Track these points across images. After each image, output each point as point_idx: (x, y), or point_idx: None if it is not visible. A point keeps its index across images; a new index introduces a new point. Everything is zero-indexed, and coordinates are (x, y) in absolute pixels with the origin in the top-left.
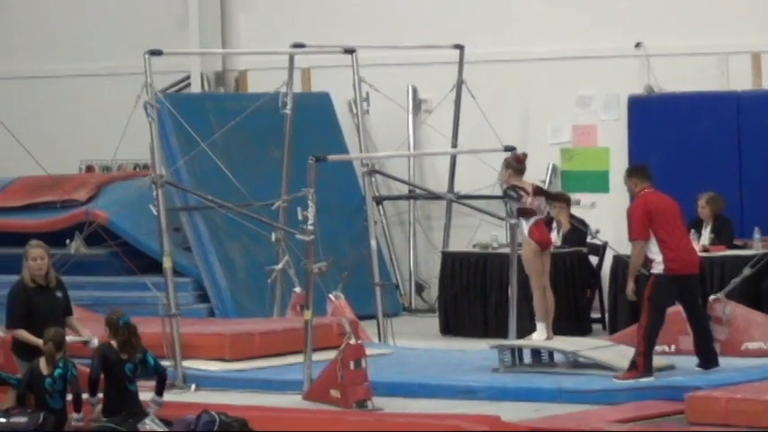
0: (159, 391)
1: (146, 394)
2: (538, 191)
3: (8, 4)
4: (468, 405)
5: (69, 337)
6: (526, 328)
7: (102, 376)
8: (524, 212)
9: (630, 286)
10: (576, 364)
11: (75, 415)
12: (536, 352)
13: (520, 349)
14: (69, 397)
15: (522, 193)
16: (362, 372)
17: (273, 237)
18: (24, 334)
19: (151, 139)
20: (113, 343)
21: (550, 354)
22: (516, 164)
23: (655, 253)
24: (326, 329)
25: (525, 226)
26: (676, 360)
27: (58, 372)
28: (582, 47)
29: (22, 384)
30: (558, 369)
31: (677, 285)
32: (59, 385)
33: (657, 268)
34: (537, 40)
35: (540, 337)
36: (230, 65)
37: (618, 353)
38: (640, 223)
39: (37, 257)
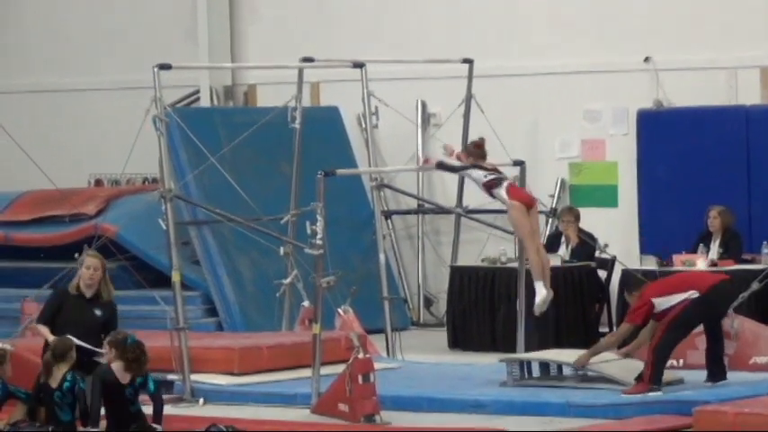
0: (157, 420)
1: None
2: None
3: (18, 19)
4: (476, 419)
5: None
6: (534, 343)
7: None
8: (492, 184)
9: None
10: (585, 377)
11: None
12: (544, 365)
13: (528, 363)
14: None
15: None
16: (371, 386)
17: (282, 251)
18: (42, 329)
19: (160, 153)
20: (119, 364)
21: (559, 367)
22: (476, 149)
23: None
24: (335, 343)
25: (502, 193)
26: (684, 374)
27: (66, 384)
28: (591, 61)
29: (31, 398)
30: (566, 383)
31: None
32: (68, 398)
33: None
34: (546, 54)
35: (540, 294)
36: (239, 79)
37: (626, 366)
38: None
39: (91, 266)
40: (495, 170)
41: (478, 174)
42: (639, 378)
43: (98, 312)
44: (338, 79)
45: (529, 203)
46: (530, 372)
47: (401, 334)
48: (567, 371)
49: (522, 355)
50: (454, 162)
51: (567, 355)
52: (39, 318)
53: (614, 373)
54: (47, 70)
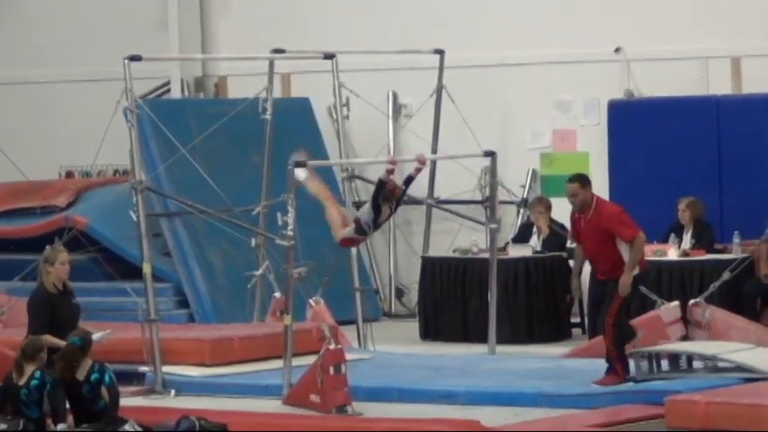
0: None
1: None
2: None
3: None
4: (448, 410)
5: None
6: (506, 333)
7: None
8: (358, 228)
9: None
10: (716, 368)
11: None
12: (674, 358)
13: (657, 356)
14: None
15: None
16: (342, 377)
17: (253, 242)
18: (50, 338)
19: (131, 145)
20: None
21: (689, 359)
22: (392, 195)
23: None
24: (306, 334)
25: (344, 231)
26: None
27: (33, 382)
28: (562, 52)
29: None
30: (697, 374)
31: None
32: (35, 395)
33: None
34: (517, 45)
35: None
36: (210, 70)
37: (761, 354)
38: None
39: (65, 261)
40: (376, 227)
41: (368, 215)
42: (610, 369)
43: (74, 302)
44: (309, 70)
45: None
46: (659, 365)
47: (372, 325)
48: (697, 363)
49: (650, 348)
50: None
51: (699, 347)
52: (35, 330)
53: (748, 360)
54: (17, 62)
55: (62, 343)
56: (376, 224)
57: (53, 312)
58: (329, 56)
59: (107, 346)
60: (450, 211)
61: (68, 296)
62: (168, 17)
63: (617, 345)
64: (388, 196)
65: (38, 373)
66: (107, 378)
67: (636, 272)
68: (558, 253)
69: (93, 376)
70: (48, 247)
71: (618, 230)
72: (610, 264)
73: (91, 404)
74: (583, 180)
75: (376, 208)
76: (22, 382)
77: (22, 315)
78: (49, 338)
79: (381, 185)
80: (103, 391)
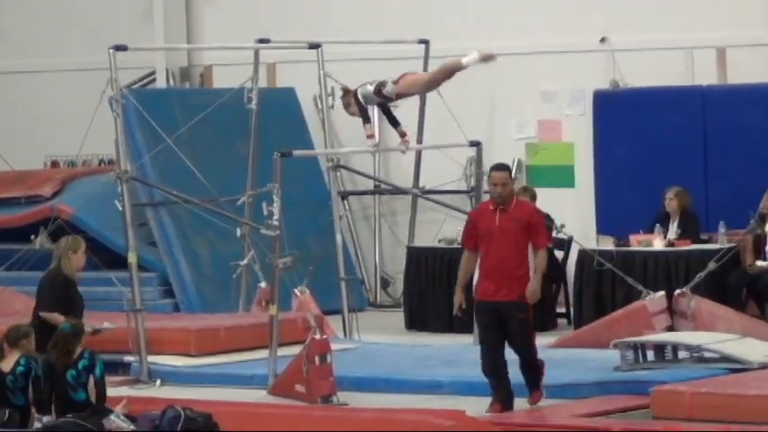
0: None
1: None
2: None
3: None
4: (434, 400)
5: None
6: None
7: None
8: (380, 88)
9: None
10: (702, 359)
11: (41, 417)
12: (659, 348)
13: (643, 346)
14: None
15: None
16: (327, 367)
17: (239, 232)
18: (57, 317)
19: (116, 135)
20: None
21: (674, 349)
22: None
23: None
24: (291, 324)
25: (391, 88)
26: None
27: (19, 369)
28: (547, 42)
29: None
30: (682, 365)
31: None
32: (21, 382)
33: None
34: (502, 34)
35: (474, 55)
36: (195, 60)
37: (746, 345)
38: None
39: (85, 251)
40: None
41: (365, 89)
42: (535, 386)
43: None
44: (294, 60)
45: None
46: (644, 355)
47: (358, 315)
48: (682, 354)
49: (635, 338)
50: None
51: (684, 337)
52: (49, 305)
53: (734, 351)
54: (2, 52)
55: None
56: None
57: (68, 295)
58: (314, 46)
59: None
60: (436, 201)
61: (76, 285)
62: (153, 7)
63: (537, 359)
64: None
65: (23, 360)
66: (98, 370)
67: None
68: None
69: (81, 363)
70: (67, 237)
71: (539, 229)
72: (515, 269)
73: (73, 391)
74: (510, 170)
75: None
76: (7, 369)
77: (9, 304)
78: (56, 317)
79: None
80: (90, 382)
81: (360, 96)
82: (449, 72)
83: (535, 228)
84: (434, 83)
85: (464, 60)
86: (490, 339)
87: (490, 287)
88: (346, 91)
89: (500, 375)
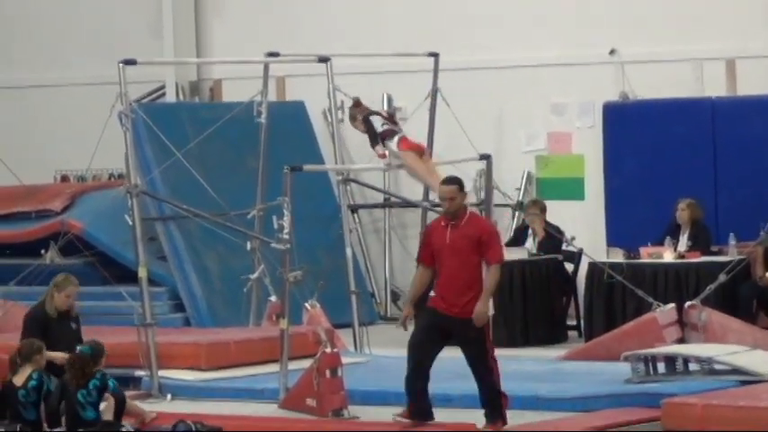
0: (117, 414)
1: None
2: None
3: None
4: (444, 413)
5: None
6: (502, 336)
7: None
8: (386, 134)
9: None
10: (712, 371)
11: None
12: (670, 360)
13: (653, 358)
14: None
15: (377, 116)
16: (338, 380)
17: (249, 246)
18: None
19: (126, 149)
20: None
21: (685, 361)
22: (355, 108)
23: None
24: (302, 338)
25: (393, 146)
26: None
27: (32, 383)
28: (556, 54)
29: None
30: (693, 377)
31: None
32: (33, 397)
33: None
34: (512, 47)
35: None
36: (205, 74)
37: (757, 357)
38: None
39: (71, 295)
40: (391, 120)
41: (377, 122)
42: (497, 416)
43: (74, 326)
44: (304, 74)
45: (420, 151)
46: (655, 368)
47: (368, 328)
48: (693, 366)
49: (646, 350)
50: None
51: (695, 349)
52: None
53: (745, 363)
54: (12, 66)
55: (55, 355)
56: (391, 120)
57: (44, 332)
58: (324, 59)
59: None
60: None
61: (68, 320)
62: (163, 21)
63: (497, 381)
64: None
65: (35, 375)
66: (110, 384)
67: (492, 310)
68: (553, 255)
69: (93, 383)
70: (62, 274)
71: (492, 244)
72: (468, 286)
73: (82, 410)
74: (461, 184)
75: (369, 118)
76: (20, 383)
77: (18, 319)
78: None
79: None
80: (105, 399)
81: (370, 119)
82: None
83: (487, 243)
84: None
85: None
86: (425, 343)
87: (442, 304)
88: (357, 104)
89: (416, 389)
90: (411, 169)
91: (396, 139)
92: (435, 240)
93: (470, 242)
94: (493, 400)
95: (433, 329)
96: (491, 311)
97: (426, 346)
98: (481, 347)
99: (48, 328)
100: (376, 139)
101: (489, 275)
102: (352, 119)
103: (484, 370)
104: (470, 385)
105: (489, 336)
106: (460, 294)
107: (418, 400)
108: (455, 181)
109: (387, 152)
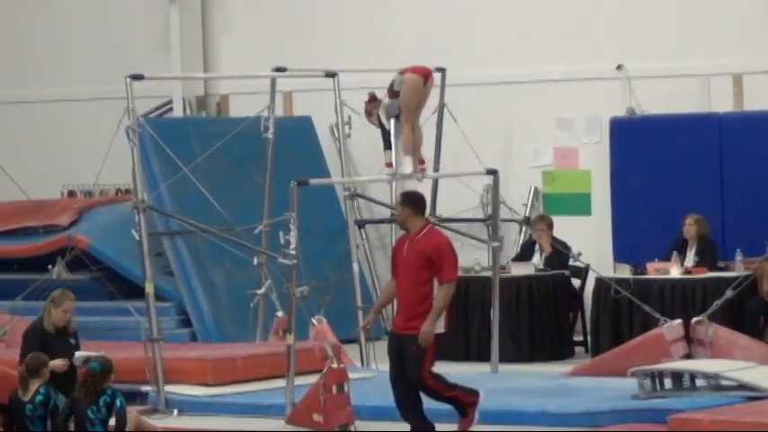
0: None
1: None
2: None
3: None
4: (451, 428)
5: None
6: (508, 352)
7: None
8: (390, 87)
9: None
10: (719, 387)
11: None
12: (677, 376)
13: (660, 374)
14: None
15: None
16: (345, 396)
17: (256, 261)
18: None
19: (133, 164)
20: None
21: (692, 377)
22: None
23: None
24: (309, 353)
25: (399, 79)
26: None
27: (39, 398)
28: (563, 69)
29: (5, 410)
30: (700, 393)
31: None
32: (40, 411)
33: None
34: (518, 62)
35: (407, 170)
36: (212, 89)
37: (764, 373)
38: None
39: (68, 310)
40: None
41: (385, 101)
42: (463, 413)
43: (73, 342)
44: (311, 89)
45: (426, 75)
46: (662, 383)
47: (375, 343)
48: (700, 382)
49: (652, 366)
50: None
51: (702, 365)
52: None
53: (752, 379)
54: (19, 81)
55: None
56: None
57: (42, 348)
58: (331, 74)
59: None
60: (453, 230)
61: (66, 336)
62: (170, 36)
63: (447, 387)
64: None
65: (43, 389)
66: (118, 402)
67: (440, 329)
68: (560, 271)
69: (103, 399)
70: (59, 289)
71: (443, 261)
72: (416, 303)
73: (91, 425)
74: (408, 199)
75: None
76: (27, 397)
77: None
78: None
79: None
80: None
81: (382, 112)
82: (404, 137)
83: (438, 261)
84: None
85: (404, 160)
86: (391, 373)
87: (399, 322)
88: (373, 98)
89: (408, 417)
90: (405, 94)
91: (396, 76)
92: (395, 255)
93: (422, 258)
94: (451, 404)
95: (396, 358)
96: (440, 330)
97: (399, 378)
98: (417, 365)
99: (46, 343)
100: (389, 142)
101: (440, 294)
102: (368, 114)
103: (420, 387)
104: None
105: (431, 354)
106: (409, 310)
107: (416, 425)
108: (403, 195)
109: (393, 161)
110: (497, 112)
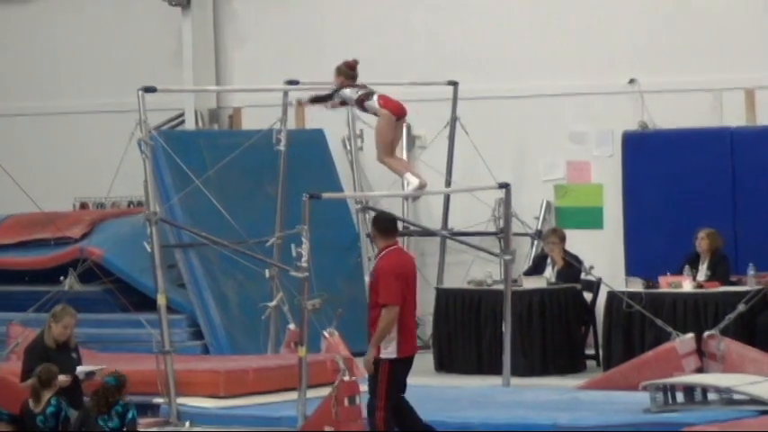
0: None
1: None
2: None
3: (2, 42)
4: None
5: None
6: (520, 365)
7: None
8: (363, 98)
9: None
10: (731, 401)
11: None
12: (689, 390)
13: (672, 388)
14: None
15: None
16: (357, 408)
17: (267, 273)
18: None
19: (145, 176)
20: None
21: (704, 391)
22: (347, 69)
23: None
24: (320, 366)
25: (374, 104)
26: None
27: (50, 409)
28: (576, 83)
29: (15, 421)
30: (712, 407)
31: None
32: (51, 422)
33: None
34: (531, 76)
35: (415, 182)
36: (224, 102)
37: None
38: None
39: (68, 326)
40: (364, 87)
41: (351, 92)
42: None
43: (75, 356)
44: None
45: (399, 113)
46: (674, 397)
47: None
48: (711, 396)
49: (664, 380)
50: (324, 92)
51: (714, 379)
52: (25, 377)
53: (762, 393)
54: (31, 93)
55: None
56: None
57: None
58: None
59: None
60: (465, 243)
61: (68, 351)
62: (183, 48)
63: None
64: (347, 72)
65: (54, 400)
66: (130, 415)
67: (391, 354)
68: (572, 285)
69: (115, 409)
70: (60, 305)
71: (379, 285)
72: (370, 326)
73: None
74: (374, 220)
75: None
76: (38, 409)
77: None
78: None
79: (317, 100)
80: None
81: (340, 94)
82: (391, 167)
83: (375, 284)
84: (382, 150)
85: (406, 178)
86: None
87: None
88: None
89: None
90: (378, 130)
91: (375, 96)
92: None
93: (371, 281)
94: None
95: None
96: (390, 356)
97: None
98: (371, 392)
99: (48, 359)
100: (322, 98)
101: (380, 319)
102: (338, 76)
103: (372, 408)
104: (489, 413)
105: (385, 383)
106: (369, 334)
107: None
108: (374, 216)
109: (302, 100)
110: (509, 125)
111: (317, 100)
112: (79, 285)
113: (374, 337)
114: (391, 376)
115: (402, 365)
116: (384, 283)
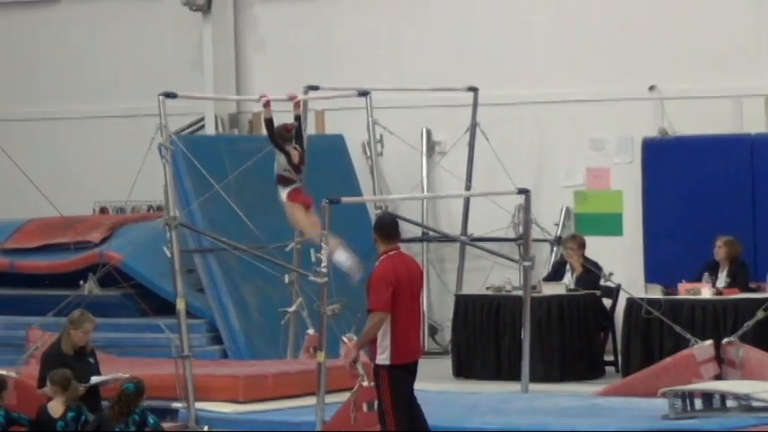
0: None
1: None
2: (301, 159)
3: (24, 47)
4: None
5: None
6: (539, 371)
7: None
8: (283, 179)
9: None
10: (750, 407)
11: None
12: (707, 397)
13: (691, 394)
14: None
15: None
16: (375, 414)
17: (287, 278)
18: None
19: (165, 181)
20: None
21: (722, 398)
22: (284, 131)
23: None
24: (339, 371)
25: (283, 193)
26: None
27: (70, 414)
28: (596, 89)
29: (33, 426)
30: (731, 413)
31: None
32: (72, 427)
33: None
34: (551, 82)
35: (347, 259)
36: (244, 107)
37: None
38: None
39: (88, 331)
40: (296, 169)
41: (282, 161)
42: None
43: (92, 361)
44: (343, 107)
45: (306, 204)
46: (692, 404)
47: None
48: (730, 402)
49: (683, 386)
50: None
51: (732, 386)
52: (41, 383)
53: None
54: (52, 98)
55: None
56: (296, 168)
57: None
58: (363, 93)
59: None
60: (484, 249)
61: (85, 356)
62: (203, 54)
63: None
64: (282, 134)
65: (74, 405)
66: (151, 420)
67: (385, 361)
68: (591, 291)
69: (132, 417)
70: (78, 310)
71: (370, 290)
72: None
73: None
74: (375, 223)
75: (280, 148)
76: (57, 414)
77: None
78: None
79: (269, 124)
80: None
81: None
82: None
83: (367, 288)
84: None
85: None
86: None
87: None
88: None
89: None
90: (292, 217)
91: (289, 189)
92: None
93: (366, 287)
94: None
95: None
96: (383, 362)
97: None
98: (379, 395)
99: (65, 365)
100: (269, 129)
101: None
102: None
103: (382, 414)
104: (508, 419)
105: (387, 387)
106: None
107: None
108: (376, 221)
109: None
110: (529, 131)
111: (269, 123)
112: (98, 289)
113: (357, 341)
114: (391, 382)
115: (401, 372)
116: (373, 290)
